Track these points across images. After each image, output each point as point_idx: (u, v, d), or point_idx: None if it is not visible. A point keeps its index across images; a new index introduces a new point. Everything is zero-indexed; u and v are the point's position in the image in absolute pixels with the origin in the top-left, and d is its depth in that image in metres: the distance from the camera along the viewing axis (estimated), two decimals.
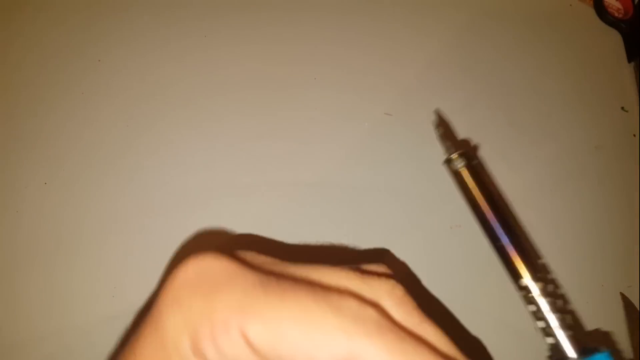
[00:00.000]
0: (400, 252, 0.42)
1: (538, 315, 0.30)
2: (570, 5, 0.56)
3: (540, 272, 0.31)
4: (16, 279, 0.37)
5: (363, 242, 0.42)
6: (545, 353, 0.40)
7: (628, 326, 0.41)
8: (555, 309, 0.30)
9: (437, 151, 0.46)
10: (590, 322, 0.41)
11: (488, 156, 0.46)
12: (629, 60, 0.54)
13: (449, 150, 0.34)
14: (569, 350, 0.29)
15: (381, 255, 0.41)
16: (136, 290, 0.38)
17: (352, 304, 0.22)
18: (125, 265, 0.39)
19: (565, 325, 0.29)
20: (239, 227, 0.41)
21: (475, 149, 0.42)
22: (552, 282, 0.36)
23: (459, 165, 0.33)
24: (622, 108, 0.51)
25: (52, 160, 0.41)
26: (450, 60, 0.50)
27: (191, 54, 0.47)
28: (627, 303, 0.42)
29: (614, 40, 0.55)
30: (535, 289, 0.30)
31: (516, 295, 0.41)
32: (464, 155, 0.33)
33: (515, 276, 0.31)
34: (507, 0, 0.54)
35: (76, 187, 0.41)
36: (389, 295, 0.24)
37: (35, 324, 0.36)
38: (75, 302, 0.37)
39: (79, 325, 0.37)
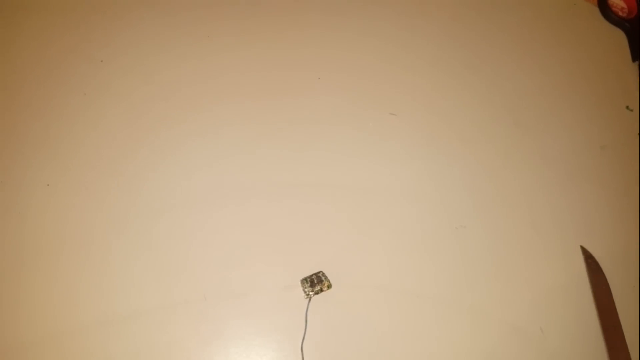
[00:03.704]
0: (405, 252, 0.41)
1: None
2: (575, 4, 0.56)
3: None
4: (19, 280, 0.37)
5: (368, 242, 0.41)
6: (547, 354, 0.40)
7: (590, 279, 0.42)
8: None
9: (441, 151, 0.46)
10: (591, 323, 0.41)
11: (493, 156, 0.46)
12: (634, 60, 0.53)
13: None
14: None
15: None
16: (139, 292, 0.38)
17: None
18: (128, 267, 0.39)
19: None
20: (247, 227, 0.41)
21: None
22: None
23: None
24: (627, 107, 0.51)
25: (54, 162, 0.41)
26: (455, 60, 0.50)
27: (194, 55, 0.46)
28: (587, 255, 0.42)
29: (618, 39, 0.55)
30: None
31: (520, 296, 0.41)
32: None
33: None
34: (511, 0, 0.54)
35: (79, 189, 0.41)
36: None
37: (38, 325, 0.36)
38: (79, 303, 0.37)
39: (82, 326, 0.37)
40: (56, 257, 0.38)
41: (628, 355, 0.39)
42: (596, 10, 0.56)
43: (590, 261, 0.42)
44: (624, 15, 0.55)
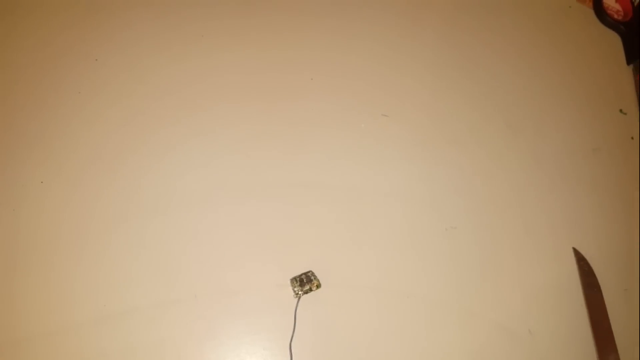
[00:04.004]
0: (396, 253, 0.42)
1: None
2: (570, 6, 0.56)
3: None
4: (13, 277, 0.38)
5: (359, 242, 0.42)
6: (537, 355, 0.40)
7: (582, 281, 0.42)
8: None
9: (433, 152, 0.46)
10: (582, 325, 0.41)
11: (485, 158, 0.46)
12: (628, 63, 0.53)
13: None
14: None
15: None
16: (132, 290, 0.38)
17: None
18: (122, 265, 0.39)
19: None
20: (238, 227, 0.41)
21: None
22: None
23: None
24: (621, 110, 0.51)
25: (49, 159, 0.41)
26: (448, 62, 0.50)
27: (188, 55, 0.47)
28: (579, 257, 0.43)
29: (612, 42, 0.55)
30: None
31: (511, 297, 0.41)
32: None
33: None
34: (505, 2, 0.54)
35: (73, 186, 0.41)
36: None
37: (32, 322, 0.37)
38: (72, 300, 0.37)
39: (75, 324, 0.37)
40: (50, 254, 0.38)
41: (617, 357, 0.39)
42: (591, 12, 0.56)
43: (582, 263, 0.43)
44: (619, 18, 0.55)
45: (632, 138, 0.49)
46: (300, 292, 0.38)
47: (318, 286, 0.39)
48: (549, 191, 0.46)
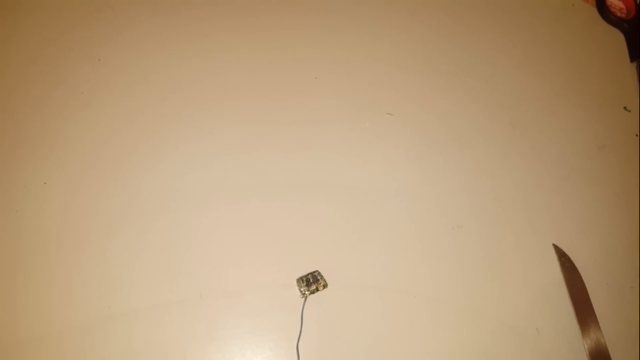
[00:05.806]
0: (402, 253, 0.41)
1: None
2: (573, 4, 0.56)
3: None
4: (16, 279, 0.37)
5: (365, 241, 0.41)
6: (543, 354, 0.40)
7: (564, 276, 0.42)
8: None
9: (439, 151, 0.46)
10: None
11: (490, 156, 0.46)
12: (632, 60, 0.53)
13: None
14: None
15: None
16: (136, 291, 0.38)
17: None
18: (125, 266, 0.39)
19: None
20: (242, 227, 0.41)
21: None
22: None
23: None
24: (625, 108, 0.51)
25: (51, 160, 0.41)
26: (452, 60, 0.50)
27: (192, 54, 0.46)
28: (560, 254, 0.43)
29: (616, 39, 0.55)
30: None
31: (517, 296, 0.41)
32: None
33: None
34: (509, 0, 0.54)
35: (76, 187, 0.41)
36: None
37: (35, 323, 0.36)
38: (76, 302, 0.37)
39: (78, 325, 0.37)
40: (53, 255, 0.38)
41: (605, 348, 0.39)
42: (594, 10, 0.56)
43: (564, 259, 0.43)
44: (622, 15, 0.55)
45: (637, 135, 0.49)
46: (306, 292, 0.38)
47: (325, 286, 0.38)
48: (554, 189, 0.46)
